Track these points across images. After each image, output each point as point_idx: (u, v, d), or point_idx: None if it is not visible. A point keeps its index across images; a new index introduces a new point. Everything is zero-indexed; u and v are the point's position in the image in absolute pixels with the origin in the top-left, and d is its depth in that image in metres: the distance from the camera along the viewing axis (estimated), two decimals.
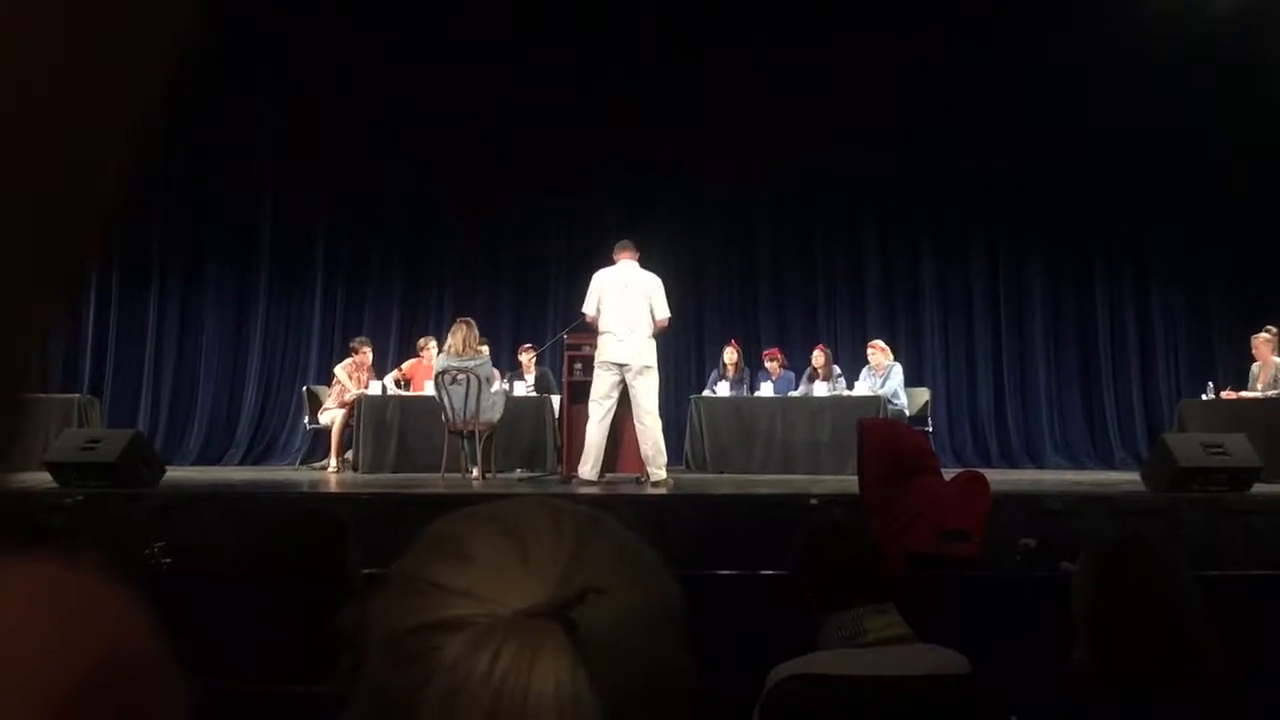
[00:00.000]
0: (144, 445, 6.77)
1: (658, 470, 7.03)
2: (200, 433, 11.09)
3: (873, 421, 6.71)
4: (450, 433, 7.57)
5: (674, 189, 11.46)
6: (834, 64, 11.10)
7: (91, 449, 6.24)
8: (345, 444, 8.98)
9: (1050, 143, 11.39)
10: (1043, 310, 11.65)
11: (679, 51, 11.10)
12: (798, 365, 10.05)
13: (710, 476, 8.51)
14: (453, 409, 7.48)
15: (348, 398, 9.02)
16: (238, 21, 9.43)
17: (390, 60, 11.13)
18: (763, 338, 11.25)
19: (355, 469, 8.50)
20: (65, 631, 0.29)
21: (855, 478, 5.09)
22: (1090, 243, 11.64)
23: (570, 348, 7.76)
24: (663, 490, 6.79)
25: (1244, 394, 8.45)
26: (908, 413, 9.41)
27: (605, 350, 7.02)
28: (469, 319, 7.89)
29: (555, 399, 8.58)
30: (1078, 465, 10.87)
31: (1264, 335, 8.49)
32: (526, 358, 9.75)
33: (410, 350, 9.87)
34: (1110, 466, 10.64)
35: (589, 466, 7.03)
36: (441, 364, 7.63)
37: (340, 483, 7.82)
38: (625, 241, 7.32)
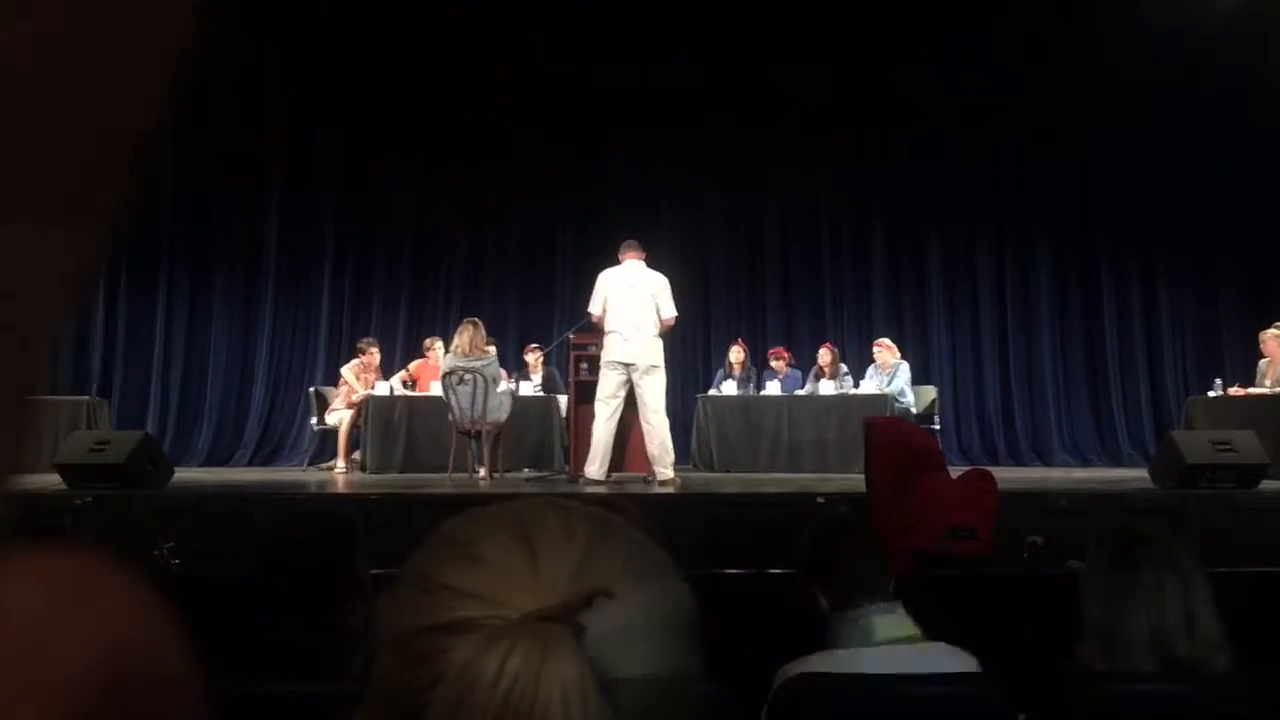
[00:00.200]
0: (152, 447, 6.78)
1: (664, 469, 7.02)
2: (208, 434, 11.11)
3: (880, 420, 6.70)
4: (457, 433, 7.58)
5: (680, 188, 11.46)
6: (840, 62, 11.11)
7: (100, 450, 6.25)
8: (353, 444, 8.99)
9: (1056, 140, 11.38)
10: (1050, 308, 11.63)
11: (684, 49, 11.10)
12: (804, 364, 10.04)
13: (717, 475, 8.50)
14: (460, 409, 7.48)
15: (355, 398, 9.03)
16: (243, 21, 9.45)
17: (395, 61, 11.14)
18: (769, 336, 11.24)
19: (363, 469, 8.51)
20: (86, 630, 0.29)
21: (862, 476, 5.09)
22: (1097, 240, 11.62)
23: (577, 347, 7.76)
24: (669, 489, 6.78)
25: (1252, 391, 8.41)
26: (914, 411, 9.39)
27: (612, 350, 7.02)
28: (476, 319, 7.89)
29: (562, 399, 8.58)
30: (1085, 463, 10.85)
31: (1273, 331, 8.45)
32: (533, 358, 9.76)
33: (417, 351, 9.88)
34: (1118, 464, 10.62)
35: (596, 466, 7.03)
36: (448, 364, 7.64)
37: (348, 483, 7.83)
38: (631, 241, 7.31)
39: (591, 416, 7.15)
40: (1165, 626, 1.93)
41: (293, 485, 7.52)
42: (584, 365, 7.62)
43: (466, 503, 0.62)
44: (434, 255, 11.74)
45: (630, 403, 7.10)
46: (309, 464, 10.14)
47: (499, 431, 7.68)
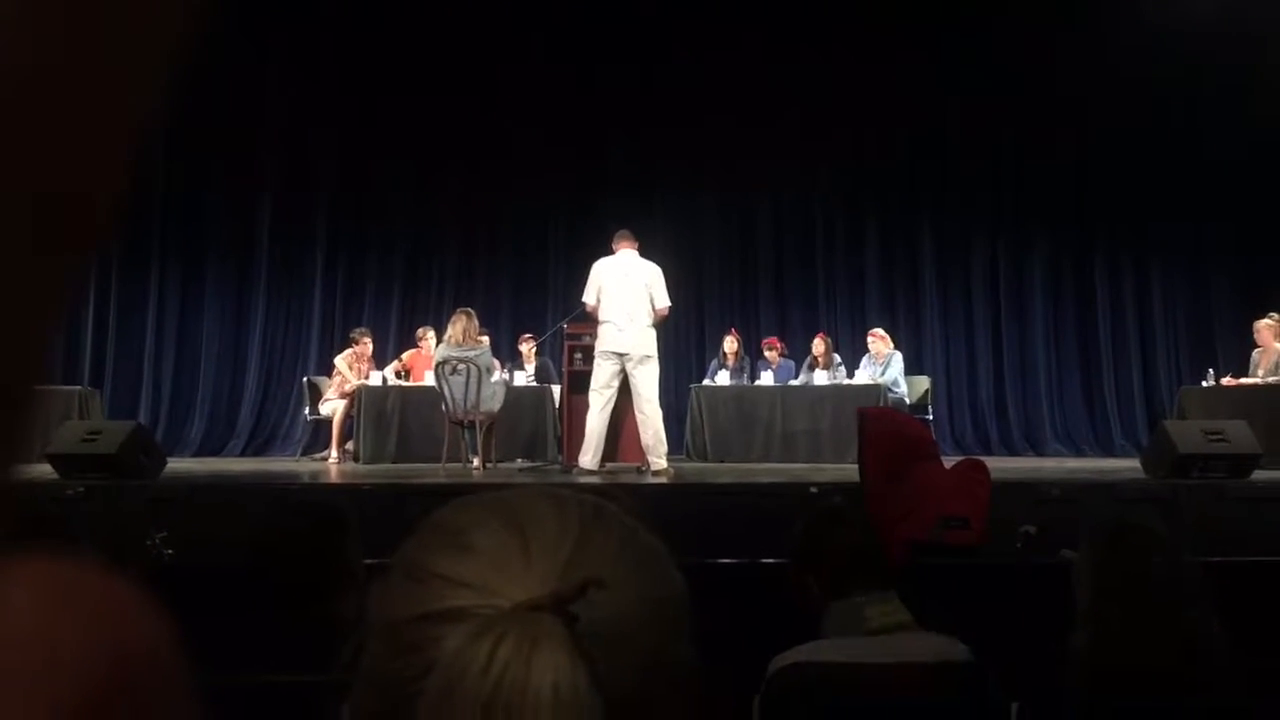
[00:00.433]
0: (145, 437, 6.76)
1: (658, 459, 7.03)
2: (201, 424, 11.09)
3: (873, 410, 6.71)
4: (451, 423, 7.57)
5: (673, 178, 11.45)
6: (833, 56, 11.11)
7: (92, 441, 6.24)
8: (346, 435, 8.99)
9: (1050, 130, 11.39)
10: (1043, 297, 11.65)
11: (678, 41, 11.09)
12: (798, 354, 10.05)
13: (710, 465, 8.52)
14: (453, 399, 7.48)
15: (348, 388, 9.03)
16: (237, 13, 9.41)
17: (390, 53, 11.11)
18: (763, 326, 11.24)
19: (356, 459, 8.50)
20: (79, 631, 0.29)
21: (855, 466, 5.10)
22: (1090, 230, 11.64)
23: (570, 337, 7.76)
24: (663, 479, 6.80)
25: (1245, 380, 8.44)
26: (908, 401, 9.41)
27: (605, 340, 7.02)
28: (469, 309, 7.88)
29: (556, 389, 8.58)
30: (1078, 452, 10.89)
31: (1266, 321, 8.47)
32: (527, 347, 9.75)
33: (410, 341, 9.87)
34: (1110, 453, 10.65)
35: (589, 456, 7.04)
36: (442, 354, 7.63)
37: (341, 473, 7.84)
38: (624, 231, 7.31)
39: (585, 406, 7.16)
40: (1157, 617, 1.93)
41: (286, 475, 7.52)
42: (578, 355, 7.62)
43: (460, 493, 0.62)
44: (427, 245, 11.72)
45: (624, 393, 7.11)
46: (302, 454, 10.13)
47: (492, 421, 7.67)
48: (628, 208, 10.23)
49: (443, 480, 6.73)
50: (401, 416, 8.43)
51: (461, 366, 7.45)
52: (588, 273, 7.21)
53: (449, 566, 0.54)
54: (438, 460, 7.58)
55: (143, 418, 10.14)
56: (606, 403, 7.06)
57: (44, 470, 5.99)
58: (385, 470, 7.72)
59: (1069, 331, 11.64)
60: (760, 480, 6.61)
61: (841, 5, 11.04)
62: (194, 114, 9.09)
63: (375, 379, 8.88)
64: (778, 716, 1.98)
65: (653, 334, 7.07)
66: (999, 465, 6.84)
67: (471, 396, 7.45)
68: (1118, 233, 11.60)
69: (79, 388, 9.04)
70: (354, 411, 8.70)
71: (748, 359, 9.86)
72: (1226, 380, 8.57)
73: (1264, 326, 8.50)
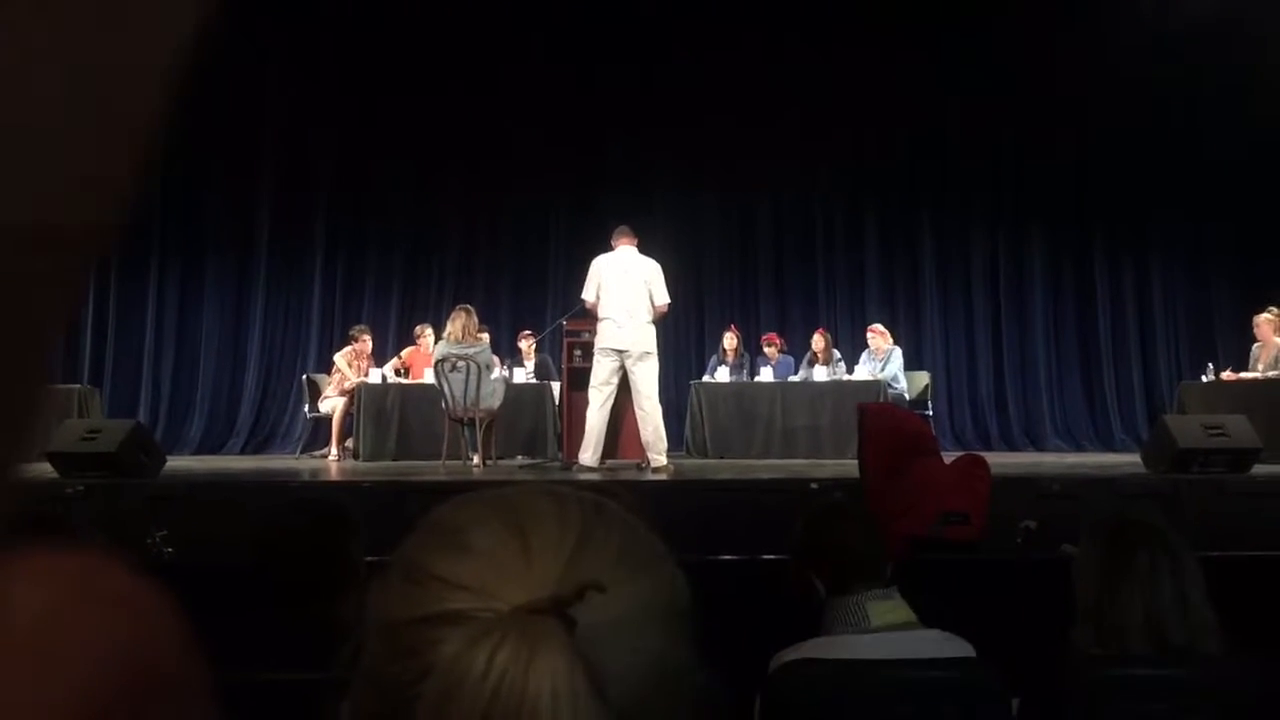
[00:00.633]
0: (144, 435, 6.76)
1: (658, 456, 7.03)
2: (200, 422, 11.09)
3: (873, 405, 6.71)
4: (451, 420, 7.57)
5: (673, 175, 11.44)
6: (834, 55, 11.11)
7: (92, 439, 6.23)
8: (346, 432, 8.99)
9: (1050, 125, 11.38)
10: (1043, 293, 11.65)
11: (678, 38, 11.08)
12: (797, 350, 10.05)
13: (711, 462, 8.52)
14: (453, 396, 7.48)
15: (348, 386, 9.02)
16: (236, 10, 9.38)
17: (390, 49, 11.10)
18: (762, 323, 11.24)
19: (356, 457, 8.51)
20: (93, 630, 0.29)
21: (855, 462, 5.10)
22: (1090, 225, 11.65)
23: (570, 334, 7.75)
24: (663, 476, 6.80)
25: (1244, 375, 8.44)
26: (908, 396, 9.42)
27: (605, 336, 7.02)
28: (468, 306, 7.87)
29: (555, 385, 8.58)
30: (1078, 448, 10.89)
31: (1266, 315, 8.47)
32: (526, 344, 9.75)
33: (410, 338, 9.87)
34: (1110, 449, 10.65)
35: (589, 453, 7.03)
36: (441, 351, 7.62)
37: (341, 471, 7.84)
38: (624, 227, 7.31)
39: (585, 403, 7.16)
40: (1158, 610, 1.93)
41: (286, 473, 7.52)
42: (577, 352, 7.62)
43: (460, 490, 0.62)
44: (427, 242, 11.72)
45: (624, 389, 7.10)
46: (302, 452, 10.14)
47: (492, 419, 7.67)
48: (627, 204, 10.22)
49: (443, 478, 6.73)
50: (401, 414, 8.43)
51: (461, 363, 7.45)
52: (587, 269, 7.20)
53: (448, 568, 0.54)
54: (437, 457, 7.58)
55: (142, 416, 10.15)
56: (606, 399, 7.05)
57: (43, 469, 5.99)
58: (385, 468, 7.72)
59: (1069, 326, 11.64)
60: (760, 476, 6.60)
61: (841, 2, 11.02)
62: (193, 112, 9.07)
63: (375, 376, 8.88)
64: (779, 713, 1.98)
65: (652, 330, 7.07)
66: (999, 460, 6.84)
67: (471, 393, 7.45)
68: (1117, 228, 11.60)
69: (78, 386, 9.04)
70: (354, 409, 8.71)
71: (747, 355, 9.86)
72: (1226, 375, 8.57)
73: (1263, 321, 8.50)
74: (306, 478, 7.25)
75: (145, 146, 0.28)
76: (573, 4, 11.07)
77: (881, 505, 4.13)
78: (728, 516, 5.33)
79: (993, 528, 4.37)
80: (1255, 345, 8.61)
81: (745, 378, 9.49)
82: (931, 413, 9.76)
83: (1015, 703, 1.99)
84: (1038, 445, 11.05)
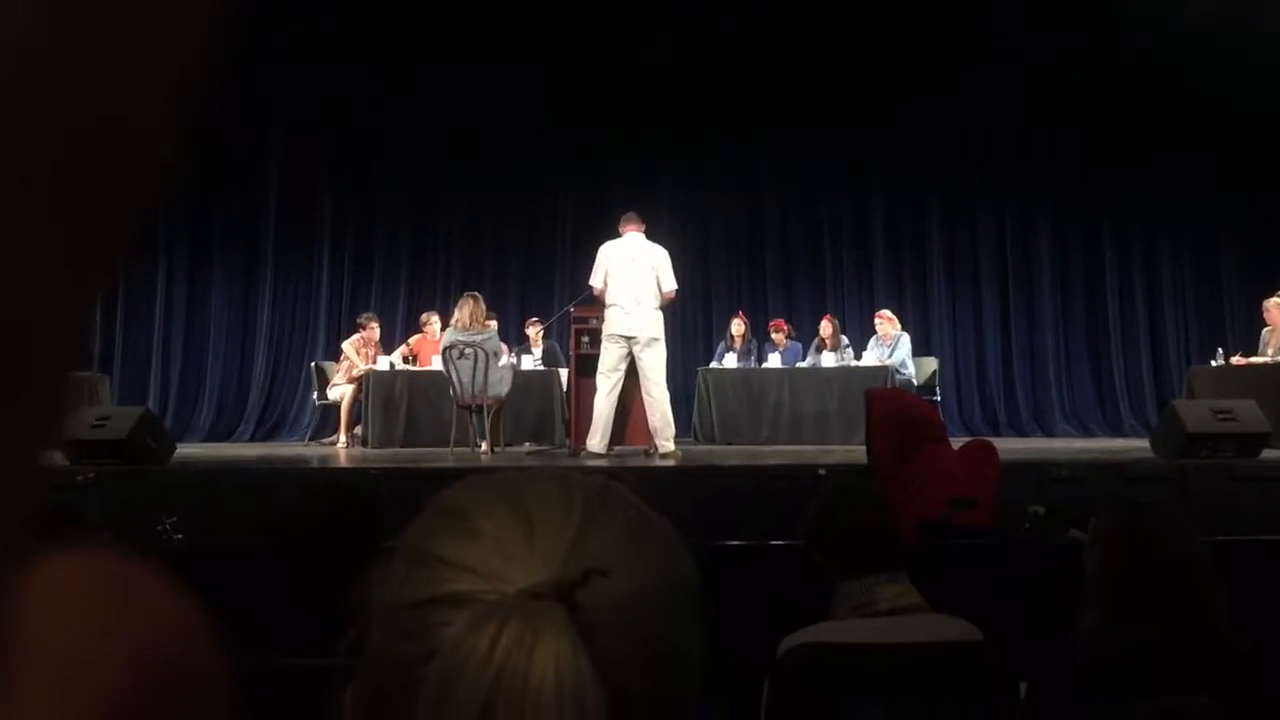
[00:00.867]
0: (154, 422, 6.78)
1: (666, 442, 7.03)
2: (210, 409, 11.13)
3: (881, 391, 6.71)
4: (458, 407, 7.58)
5: (680, 161, 11.42)
6: (843, 32, 11.07)
7: (101, 426, 6.25)
8: (354, 419, 9.01)
9: (1058, 108, 11.34)
10: (1051, 278, 11.61)
11: (685, 22, 11.03)
12: (805, 336, 10.04)
13: (718, 448, 8.51)
14: (460, 383, 7.48)
15: (356, 373, 9.04)
16: None
17: (394, 34, 11.08)
18: (770, 309, 11.23)
19: (364, 444, 8.53)
20: (115, 631, 0.29)
21: (864, 448, 5.10)
22: (1098, 208, 11.59)
23: (577, 321, 7.75)
24: (671, 462, 6.80)
25: (1254, 360, 8.41)
26: (916, 382, 9.40)
27: (612, 323, 7.01)
28: (476, 293, 7.87)
29: (563, 372, 8.58)
30: (1086, 433, 10.87)
31: (1275, 300, 8.44)
32: (534, 331, 9.75)
33: (418, 325, 9.87)
34: (1119, 434, 10.63)
35: (597, 439, 7.04)
36: (449, 338, 7.63)
37: (350, 458, 7.85)
38: (631, 214, 7.29)
39: (592, 390, 7.16)
40: (1167, 596, 1.93)
41: (296, 460, 7.54)
42: (585, 338, 7.62)
43: (469, 476, 0.62)
44: (434, 230, 11.73)
45: (631, 376, 7.10)
46: (310, 439, 10.16)
47: (500, 406, 7.68)
48: (635, 190, 10.20)
49: (451, 464, 6.75)
50: (409, 401, 8.45)
51: (469, 350, 7.45)
52: (595, 256, 7.19)
53: (452, 550, 0.54)
54: (445, 444, 7.59)
55: (151, 403, 10.17)
56: (614, 386, 7.05)
57: (54, 456, 6.00)
58: (393, 455, 7.74)
59: (1077, 311, 11.60)
60: (768, 462, 6.60)
61: None
62: (200, 99, 9.07)
63: (383, 364, 8.89)
64: (787, 697, 1.98)
65: (660, 317, 7.06)
66: (1007, 446, 6.83)
67: (479, 380, 7.46)
68: (1126, 212, 11.55)
69: (88, 373, 9.06)
70: (362, 396, 8.72)
71: (755, 341, 9.85)
72: (1236, 359, 8.54)
73: (1273, 305, 8.47)
74: (316, 464, 7.27)
75: (169, 158, 0.28)
76: None
77: (890, 491, 4.14)
78: (735, 502, 5.33)
79: (1001, 513, 4.37)
80: (1265, 330, 8.58)
81: (753, 364, 9.49)
82: (939, 398, 9.74)
83: (1023, 687, 2.00)
84: (1046, 431, 11.02)
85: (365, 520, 2.29)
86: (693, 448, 8.27)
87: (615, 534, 0.55)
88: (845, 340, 9.66)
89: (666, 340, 7.21)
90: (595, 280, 7.11)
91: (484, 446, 7.57)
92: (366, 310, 10.17)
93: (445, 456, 7.30)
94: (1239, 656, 1.90)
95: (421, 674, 0.50)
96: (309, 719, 0.66)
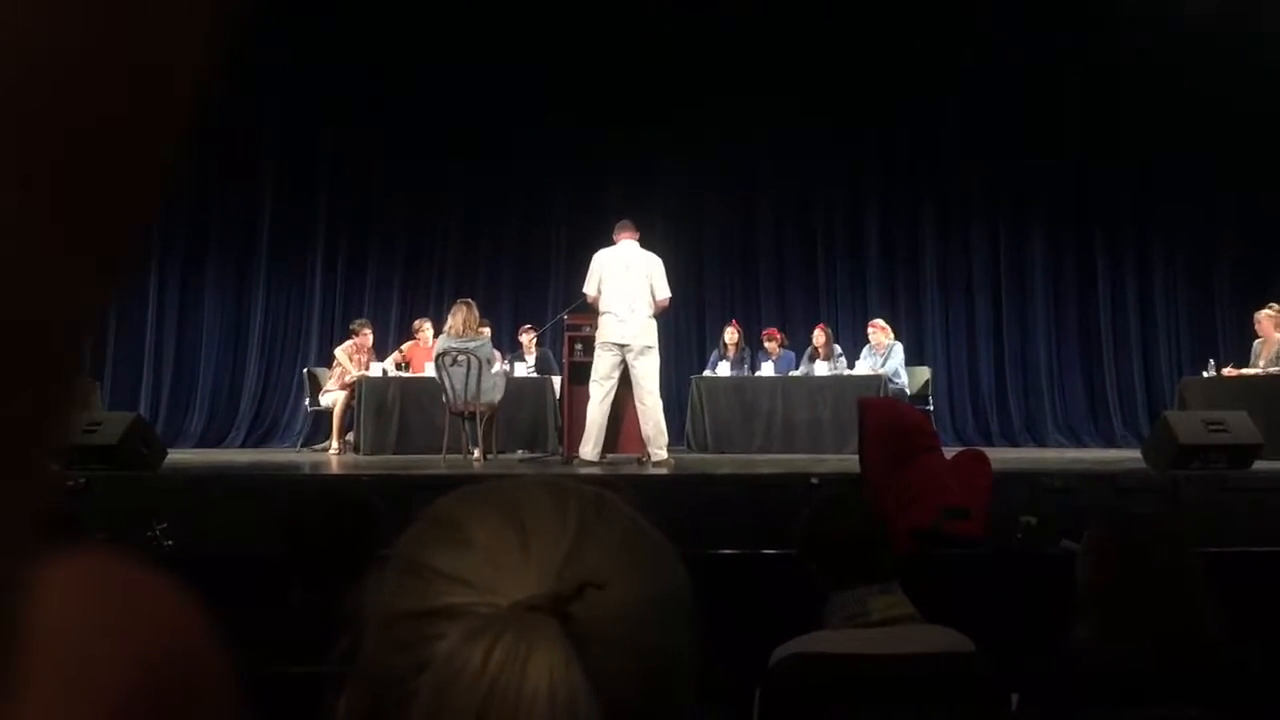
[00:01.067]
0: (145, 428, 6.76)
1: (659, 450, 7.03)
2: (201, 415, 11.09)
3: (873, 400, 6.71)
4: (451, 414, 7.57)
5: (674, 169, 11.42)
6: (836, 40, 11.09)
7: (92, 432, 6.22)
8: (346, 426, 8.99)
9: (1052, 121, 11.38)
10: (1044, 288, 11.64)
11: (680, 30, 11.04)
12: (798, 345, 10.05)
13: (711, 456, 8.51)
14: (453, 390, 7.48)
15: (348, 379, 9.02)
16: None
17: (391, 37, 11.08)
18: (763, 317, 11.23)
19: (357, 451, 8.51)
20: (124, 635, 0.29)
21: (856, 457, 5.10)
22: (1091, 220, 11.63)
23: (571, 328, 7.75)
24: (664, 470, 6.79)
25: (1245, 371, 8.43)
26: (908, 392, 9.41)
27: (606, 331, 7.01)
28: (469, 300, 7.88)
29: (556, 380, 8.58)
30: (1079, 443, 10.89)
31: (1267, 312, 8.46)
32: (527, 338, 9.75)
33: (411, 332, 9.86)
34: (1111, 444, 10.65)
35: (590, 447, 7.03)
36: (442, 345, 7.62)
37: (342, 464, 7.84)
38: (625, 221, 7.31)
39: (585, 397, 7.15)
40: (1160, 606, 1.93)
41: (287, 467, 7.52)
42: (578, 346, 7.61)
43: (461, 484, 0.61)
44: (428, 236, 11.72)
45: (625, 384, 7.10)
46: (303, 445, 10.14)
47: (493, 413, 7.67)
48: (629, 198, 10.22)
49: (443, 471, 6.74)
50: (402, 408, 8.43)
51: (462, 358, 7.45)
52: (588, 263, 7.20)
53: (446, 561, 0.53)
54: (438, 451, 7.58)
55: (143, 409, 10.13)
56: (607, 394, 7.05)
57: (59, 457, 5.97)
58: (385, 461, 7.72)
59: (1070, 322, 11.63)
60: (761, 471, 6.61)
61: None
62: (200, 100, 9.05)
63: (375, 370, 8.88)
64: (779, 707, 1.98)
65: (653, 325, 7.06)
66: (999, 456, 6.83)
67: (472, 387, 7.45)
68: (1119, 222, 11.59)
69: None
70: (354, 403, 8.71)
71: (748, 350, 9.85)
72: (1227, 371, 8.57)
73: (1265, 317, 8.50)
74: (308, 471, 7.25)
75: (171, 171, 0.27)
76: None
77: (882, 500, 4.14)
78: (728, 511, 5.33)
79: (993, 523, 4.38)
80: (1256, 341, 8.61)
81: (746, 372, 9.49)
82: (932, 408, 9.75)
83: (1014, 698, 1.99)
84: (1038, 441, 11.04)
85: (361, 527, 2.28)
86: (685, 456, 8.27)
87: (610, 546, 0.54)
88: (838, 349, 9.68)
89: (660, 348, 7.22)
90: (589, 288, 7.11)
91: (477, 454, 7.56)
92: (359, 316, 10.16)
93: (438, 463, 7.29)
94: (1231, 667, 1.90)
95: (415, 686, 0.49)
96: None
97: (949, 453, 4.78)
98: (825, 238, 11.80)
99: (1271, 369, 8.21)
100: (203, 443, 10.65)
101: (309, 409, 9.89)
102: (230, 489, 5.67)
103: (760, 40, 11.11)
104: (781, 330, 10.21)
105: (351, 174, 11.50)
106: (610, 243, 7.22)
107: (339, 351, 9.44)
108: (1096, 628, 2.00)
